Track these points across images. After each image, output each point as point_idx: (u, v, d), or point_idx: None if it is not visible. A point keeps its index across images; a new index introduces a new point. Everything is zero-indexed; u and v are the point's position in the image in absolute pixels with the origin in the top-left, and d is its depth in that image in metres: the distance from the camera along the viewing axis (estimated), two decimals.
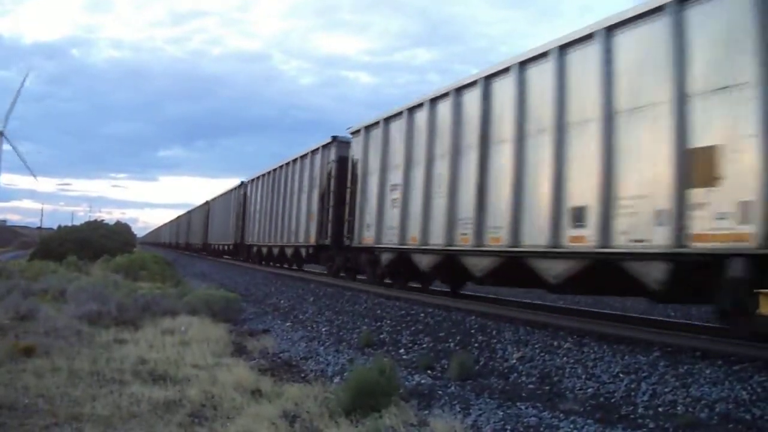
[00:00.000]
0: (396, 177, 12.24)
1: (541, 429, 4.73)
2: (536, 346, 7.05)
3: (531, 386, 5.99)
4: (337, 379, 6.43)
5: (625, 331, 7.15)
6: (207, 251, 38.11)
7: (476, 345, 7.51)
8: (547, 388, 5.88)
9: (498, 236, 9.09)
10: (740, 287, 5.86)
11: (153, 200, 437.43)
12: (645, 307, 10.97)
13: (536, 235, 8.29)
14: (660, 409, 4.97)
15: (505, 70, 9.19)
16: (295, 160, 19.66)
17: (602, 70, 7.46)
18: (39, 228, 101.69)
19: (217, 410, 5.27)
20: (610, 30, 7.45)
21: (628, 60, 7.26)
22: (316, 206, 16.95)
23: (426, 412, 5.18)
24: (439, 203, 10.59)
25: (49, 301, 11.63)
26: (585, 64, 7.77)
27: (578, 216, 7.66)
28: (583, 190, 7.60)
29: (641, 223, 6.83)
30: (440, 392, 5.81)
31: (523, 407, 5.25)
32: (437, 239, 10.58)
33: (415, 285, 13.08)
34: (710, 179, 6.13)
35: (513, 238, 8.73)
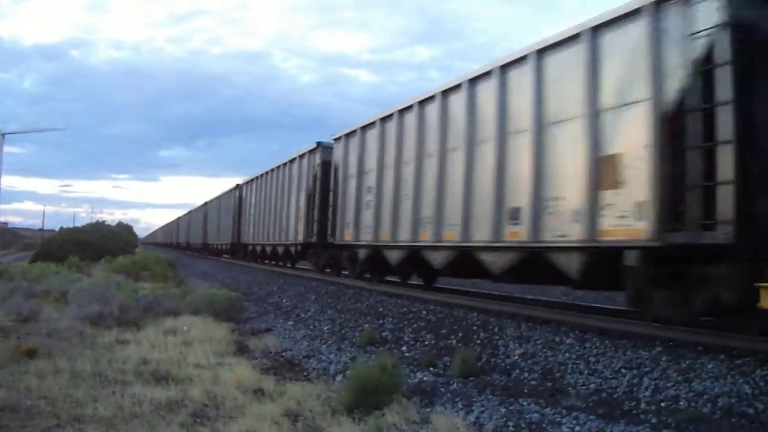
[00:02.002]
0: (371, 180, 13.68)
1: (544, 425, 4.72)
2: (538, 342, 7.05)
3: (533, 382, 5.98)
4: (339, 378, 6.43)
5: (627, 326, 7.15)
6: (207, 251, 39.11)
7: (478, 342, 7.51)
8: (550, 384, 5.87)
9: (452, 233, 10.30)
10: (637, 275, 6.98)
11: (154, 201, 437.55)
12: None
13: (482, 231, 9.54)
14: (662, 404, 4.96)
15: (458, 86, 10.52)
16: (285, 164, 21.08)
17: (534, 87, 8.60)
18: (41, 230, 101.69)
19: (220, 410, 5.27)
20: (540, 53, 8.61)
21: (553, 79, 8.40)
22: (304, 207, 18.29)
23: (428, 409, 5.17)
24: (406, 204, 11.93)
25: (51, 303, 11.63)
26: (521, 81, 8.95)
27: (515, 215, 8.90)
28: (519, 192, 8.83)
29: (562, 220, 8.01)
30: (442, 389, 5.81)
31: (525, 403, 5.25)
32: (404, 236, 11.93)
33: (392, 279, 14.38)
34: (615, 183, 7.22)
35: (464, 235, 9.96)
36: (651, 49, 6.92)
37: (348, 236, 14.72)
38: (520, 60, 8.95)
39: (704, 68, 6.48)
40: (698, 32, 6.52)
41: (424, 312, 9.49)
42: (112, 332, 8.94)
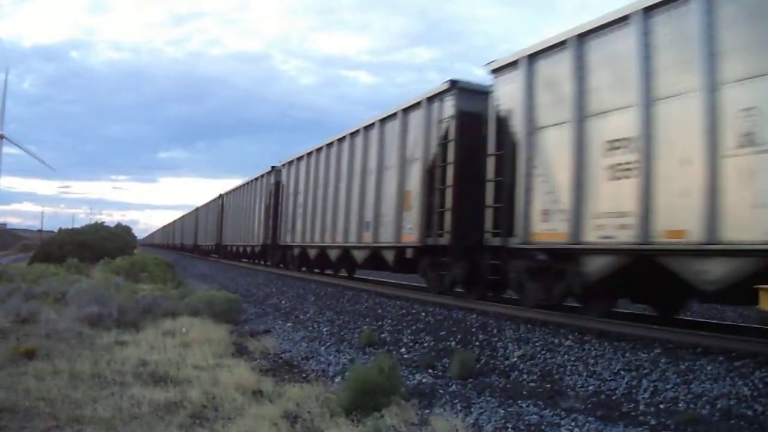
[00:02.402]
0: (301, 198, 18.95)
1: (543, 427, 4.73)
2: (537, 344, 7.05)
3: (532, 384, 5.98)
4: (338, 379, 6.43)
5: (626, 328, 7.15)
6: (197, 251, 44.32)
7: (477, 343, 7.51)
8: (548, 386, 5.87)
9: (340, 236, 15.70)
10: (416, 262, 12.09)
11: (153, 202, 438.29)
12: (643, 305, 10.94)
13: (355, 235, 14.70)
14: (661, 406, 4.96)
15: (356, 132, 15.09)
16: (252, 181, 26.96)
17: (377, 146, 13.87)
18: (39, 231, 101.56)
19: (218, 411, 5.27)
20: (367, 129, 14.48)
21: (383, 142, 13.71)
22: (263, 216, 23.96)
23: (427, 411, 5.17)
24: (319, 216, 17.23)
25: (50, 304, 11.61)
26: (369, 140, 14.33)
27: (368, 225, 13.99)
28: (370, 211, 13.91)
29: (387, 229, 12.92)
30: (441, 391, 5.81)
31: (524, 405, 5.25)
32: (317, 238, 17.24)
33: (328, 272, 18.64)
34: (409, 207, 12.10)
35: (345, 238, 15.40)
36: (425, 127, 11.65)
37: (287, 239, 20.35)
38: (367, 128, 14.40)
39: (444, 141, 11.00)
40: (443, 119, 11.04)
41: (423, 314, 9.49)
42: (111, 333, 8.94)
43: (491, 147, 9.81)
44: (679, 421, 4.60)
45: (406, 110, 12.51)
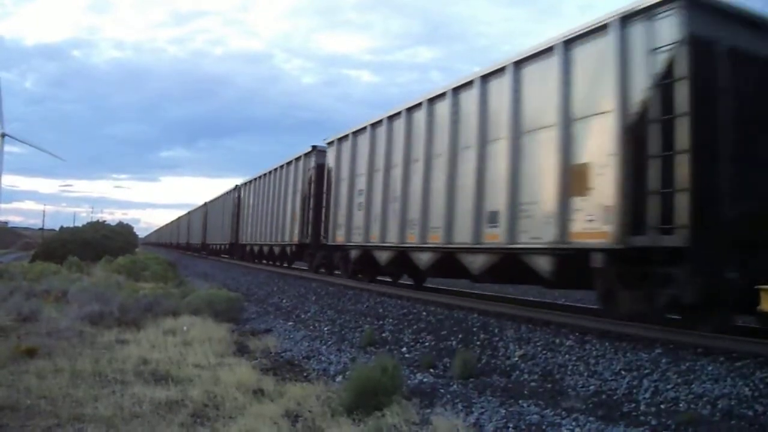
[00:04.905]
0: (361, 183, 14.24)
1: (544, 427, 4.73)
2: (538, 343, 7.05)
3: (533, 384, 5.98)
4: (339, 379, 6.44)
5: (627, 328, 7.15)
6: (206, 251, 39.32)
7: (478, 343, 7.51)
8: (549, 385, 5.87)
9: (436, 234, 10.93)
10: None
11: (155, 201, 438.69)
12: None
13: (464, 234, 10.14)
14: (662, 407, 4.96)
15: (443, 94, 11.08)
16: (282, 166, 21.80)
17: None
18: (41, 229, 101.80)
19: (220, 410, 5.27)
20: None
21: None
22: (299, 209, 19.15)
23: (428, 410, 5.17)
24: (395, 207, 12.49)
25: (51, 303, 11.63)
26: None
27: (493, 217, 9.49)
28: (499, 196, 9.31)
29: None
30: (442, 391, 5.81)
31: (525, 405, 5.25)
32: (392, 238, 12.48)
33: (383, 279, 14.74)
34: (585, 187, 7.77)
35: (447, 237, 10.59)
36: (621, 61, 7.47)
37: (340, 237, 15.26)
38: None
39: (666, 82, 6.91)
40: (658, 48, 7.01)
41: (425, 313, 9.49)
42: (112, 332, 8.95)
43: None
44: (679, 422, 4.60)
45: (570, 42, 8.18)
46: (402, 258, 12.38)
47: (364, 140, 14.31)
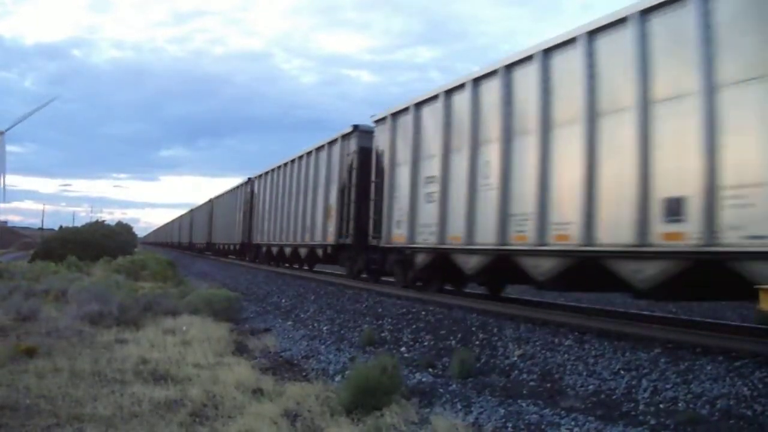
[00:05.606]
0: (431, 168, 11.11)
1: (543, 426, 4.73)
2: (537, 343, 7.05)
3: (532, 384, 5.99)
4: (338, 378, 6.44)
5: (626, 327, 7.15)
6: (212, 251, 36.68)
7: (477, 343, 7.51)
8: (548, 385, 5.87)
9: (565, 233, 7.96)
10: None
11: (154, 200, 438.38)
12: (645, 304, 10.96)
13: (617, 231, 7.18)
14: (661, 406, 4.96)
15: (572, 40, 8.08)
16: (309, 153, 18.37)
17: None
18: (40, 229, 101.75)
19: (219, 409, 5.28)
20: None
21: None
22: (335, 202, 15.72)
23: (427, 410, 5.18)
24: (489, 196, 9.43)
25: (51, 302, 11.64)
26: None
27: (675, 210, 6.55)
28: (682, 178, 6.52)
29: None
30: (441, 390, 5.81)
31: (524, 405, 5.25)
32: (486, 237, 9.46)
33: (449, 288, 12.12)
34: None
35: (585, 236, 7.58)
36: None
37: (399, 237, 12.13)
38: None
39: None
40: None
41: (423, 313, 9.49)
42: (111, 331, 8.95)
43: None
44: (678, 421, 4.61)
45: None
46: (501, 264, 9.31)
47: (433, 112, 11.12)
